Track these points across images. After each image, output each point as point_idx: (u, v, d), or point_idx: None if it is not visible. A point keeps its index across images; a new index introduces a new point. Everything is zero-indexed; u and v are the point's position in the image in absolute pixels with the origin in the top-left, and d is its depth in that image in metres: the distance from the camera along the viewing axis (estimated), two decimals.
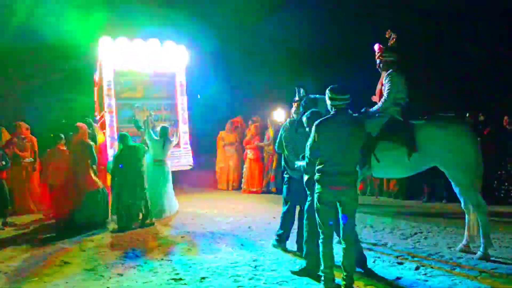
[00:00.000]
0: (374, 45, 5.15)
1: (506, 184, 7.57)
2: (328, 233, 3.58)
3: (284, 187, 4.89)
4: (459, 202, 4.70)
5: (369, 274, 3.93)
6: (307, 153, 3.64)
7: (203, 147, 10.60)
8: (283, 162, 4.84)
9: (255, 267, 4.22)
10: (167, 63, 8.43)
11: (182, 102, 8.58)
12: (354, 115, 4.27)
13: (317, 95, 4.65)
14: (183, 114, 8.59)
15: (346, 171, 3.51)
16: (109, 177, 7.33)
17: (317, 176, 3.57)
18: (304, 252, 4.01)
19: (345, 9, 12.36)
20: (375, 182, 8.88)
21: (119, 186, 6.23)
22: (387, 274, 3.95)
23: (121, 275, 4.07)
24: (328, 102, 3.62)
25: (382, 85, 5.00)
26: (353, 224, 3.62)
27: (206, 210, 7.53)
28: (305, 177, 3.92)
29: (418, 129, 4.57)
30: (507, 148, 7.62)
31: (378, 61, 5.12)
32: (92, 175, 6.33)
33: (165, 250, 4.94)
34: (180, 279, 3.92)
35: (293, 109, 5.00)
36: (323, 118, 3.64)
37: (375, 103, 5.06)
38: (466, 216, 4.62)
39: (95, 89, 9.72)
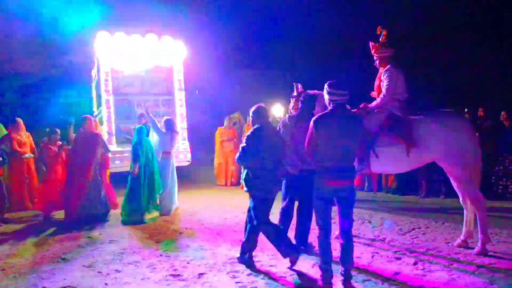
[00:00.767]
0: (369, 42, 5.16)
1: (504, 179, 7.59)
2: (327, 228, 3.58)
3: (283, 183, 4.87)
4: (457, 197, 4.70)
5: (367, 270, 3.93)
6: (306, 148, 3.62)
7: (202, 143, 10.58)
8: None
9: (254, 263, 4.21)
10: (165, 58, 8.39)
11: (180, 97, 8.56)
12: (352, 110, 4.25)
13: (316, 91, 4.63)
14: (181, 109, 8.57)
15: (344, 167, 3.50)
16: (108, 172, 7.33)
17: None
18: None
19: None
20: (374, 178, 8.87)
21: (150, 176, 6.35)
22: (385, 269, 3.96)
23: (119, 271, 4.06)
24: (326, 97, 3.60)
25: (380, 80, 4.98)
26: (351, 220, 3.61)
27: (204, 206, 7.53)
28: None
29: (416, 124, 4.56)
30: (505, 143, 7.63)
31: (375, 57, 5.12)
32: (95, 167, 6.32)
33: (163, 246, 4.93)
34: (178, 275, 3.91)
35: (291, 105, 4.98)
36: (321, 113, 3.62)
37: (374, 98, 5.05)
38: (464, 211, 4.63)
39: (92, 84, 9.68)
